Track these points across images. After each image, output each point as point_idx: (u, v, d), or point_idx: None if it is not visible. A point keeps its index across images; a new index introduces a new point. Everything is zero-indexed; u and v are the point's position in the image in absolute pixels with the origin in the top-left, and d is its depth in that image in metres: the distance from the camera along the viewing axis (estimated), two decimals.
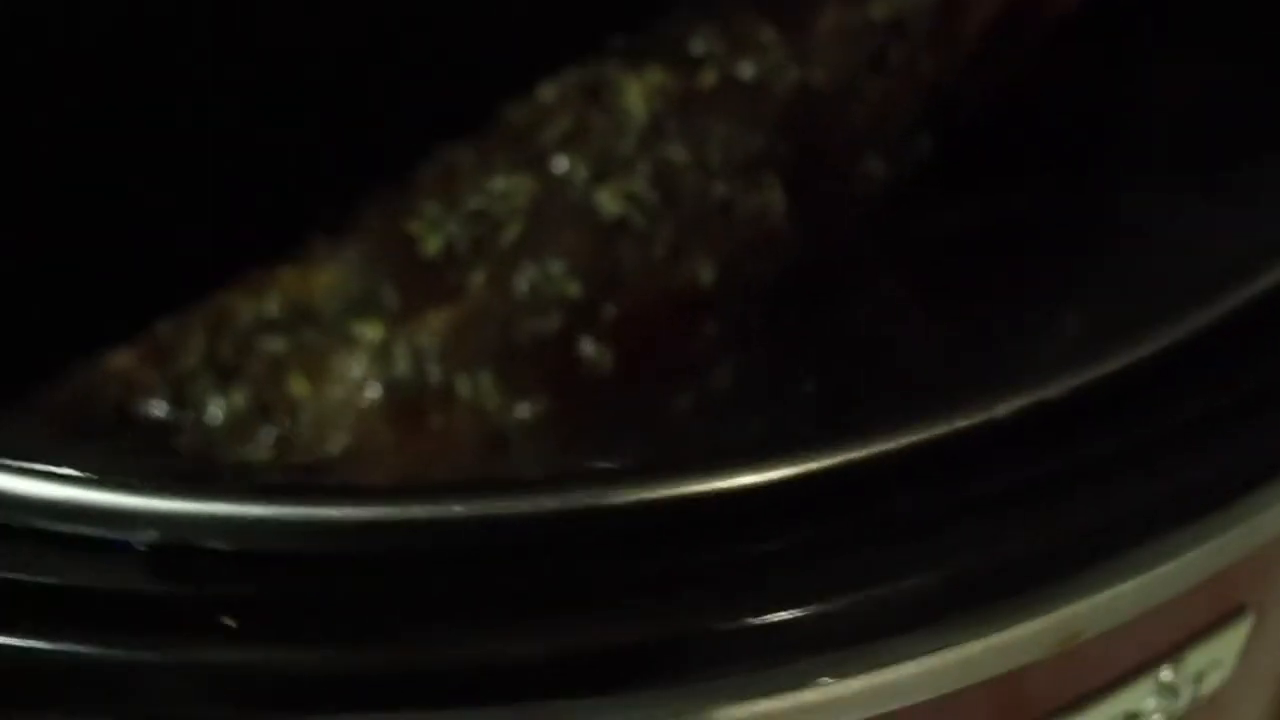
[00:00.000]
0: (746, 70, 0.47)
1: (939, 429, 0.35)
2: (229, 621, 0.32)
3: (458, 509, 0.33)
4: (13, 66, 0.48)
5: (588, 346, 0.45)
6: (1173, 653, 0.41)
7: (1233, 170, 0.54)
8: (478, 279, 0.45)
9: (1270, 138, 0.53)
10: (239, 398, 0.44)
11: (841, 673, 0.34)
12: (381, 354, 0.44)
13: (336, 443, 0.44)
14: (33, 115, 0.48)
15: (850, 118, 0.48)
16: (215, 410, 0.44)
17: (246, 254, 0.48)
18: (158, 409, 0.44)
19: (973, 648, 0.35)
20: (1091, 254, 0.54)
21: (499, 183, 0.46)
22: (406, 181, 0.47)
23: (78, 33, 0.49)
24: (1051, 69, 0.54)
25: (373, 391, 0.44)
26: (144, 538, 0.33)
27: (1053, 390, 0.36)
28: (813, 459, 0.34)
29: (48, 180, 0.48)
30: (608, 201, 0.46)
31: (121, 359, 0.45)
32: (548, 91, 0.48)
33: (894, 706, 0.36)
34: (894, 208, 0.51)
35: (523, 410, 0.44)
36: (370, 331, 0.44)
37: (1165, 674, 0.41)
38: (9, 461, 0.34)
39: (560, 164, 0.46)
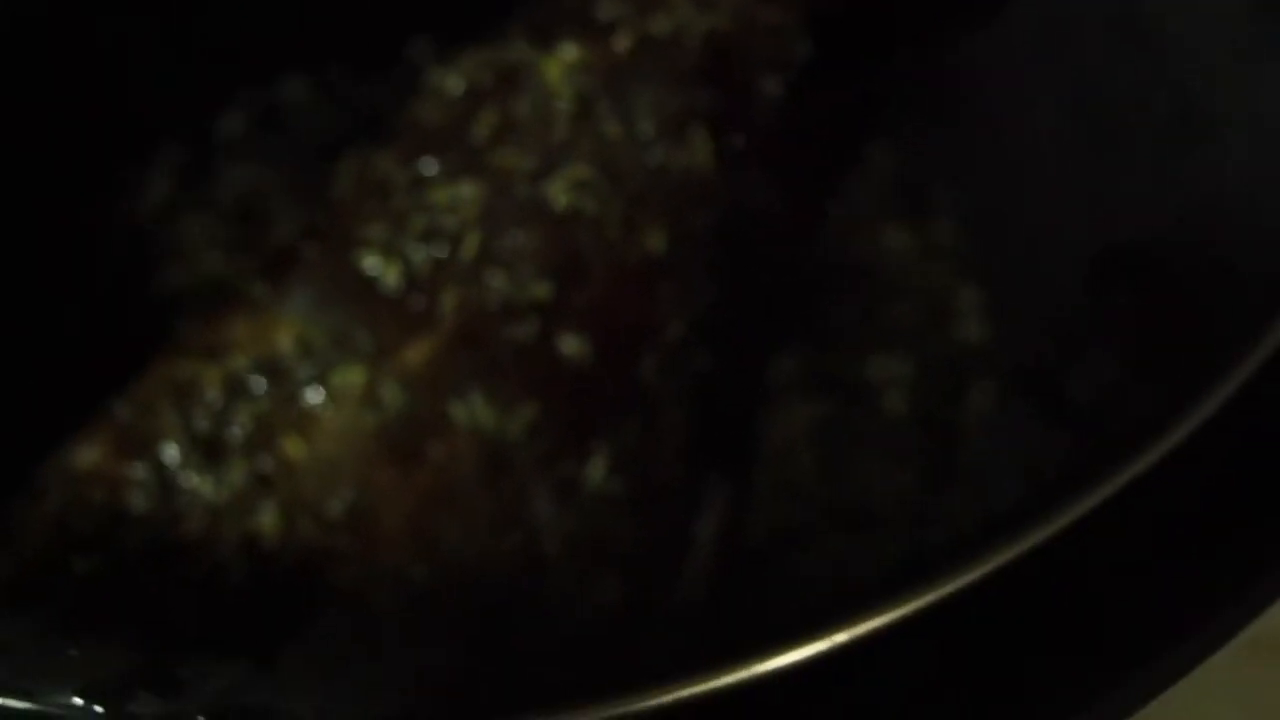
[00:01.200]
0: (658, 28, 0.46)
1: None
2: None
3: None
4: None
5: (566, 342, 0.44)
6: None
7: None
8: (447, 301, 0.43)
9: None
10: (234, 472, 0.42)
11: None
12: (368, 397, 0.43)
13: (343, 497, 0.42)
14: None
15: (750, 49, 0.48)
16: (210, 490, 0.42)
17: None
18: (147, 501, 0.42)
19: None
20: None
21: (441, 194, 0.44)
22: (331, 205, 0.46)
23: None
24: None
25: (367, 437, 0.43)
26: None
27: None
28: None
29: None
30: (558, 194, 0.44)
31: (90, 453, 0.43)
32: (453, 81, 0.46)
33: None
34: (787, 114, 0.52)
35: (518, 421, 0.44)
36: (352, 377, 0.43)
37: None
38: None
39: (500, 162, 0.44)
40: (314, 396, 0.42)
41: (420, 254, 0.44)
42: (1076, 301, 0.52)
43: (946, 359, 0.56)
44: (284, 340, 0.43)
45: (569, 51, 0.46)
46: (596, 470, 0.45)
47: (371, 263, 0.44)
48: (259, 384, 0.43)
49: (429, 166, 0.45)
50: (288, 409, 0.42)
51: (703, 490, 0.50)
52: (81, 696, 0.29)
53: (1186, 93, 0.52)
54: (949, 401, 0.55)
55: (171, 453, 0.42)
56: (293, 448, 0.42)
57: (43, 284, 0.49)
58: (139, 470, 0.42)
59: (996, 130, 0.56)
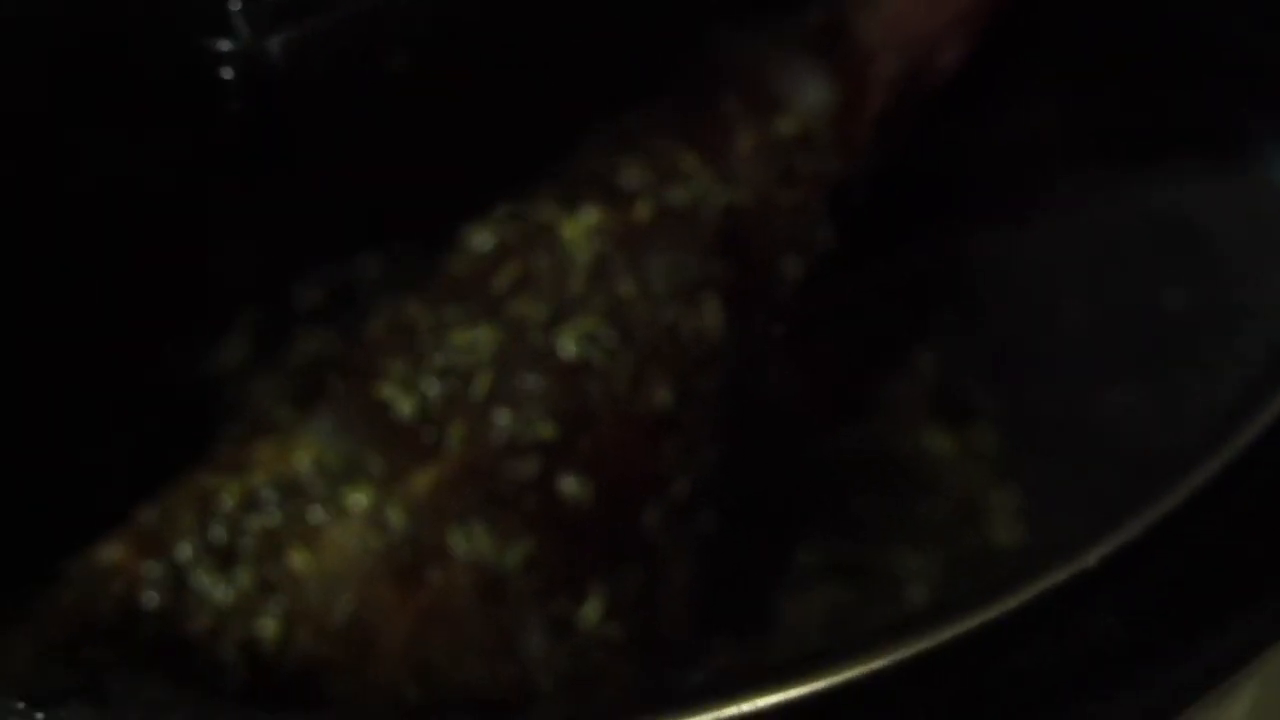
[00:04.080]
0: (677, 199, 0.49)
1: None
2: None
3: None
4: None
5: (567, 483, 0.47)
6: None
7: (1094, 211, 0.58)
8: (456, 434, 0.46)
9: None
10: (243, 577, 0.45)
11: None
12: (374, 519, 0.46)
13: (342, 610, 0.45)
14: None
15: (770, 228, 0.51)
16: (219, 593, 0.45)
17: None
18: (160, 599, 0.45)
19: None
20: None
21: (460, 336, 0.47)
22: (360, 342, 0.49)
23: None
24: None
25: (371, 556, 0.45)
26: None
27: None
28: None
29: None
30: (568, 343, 0.47)
31: (113, 552, 0.46)
32: (482, 238, 0.50)
33: None
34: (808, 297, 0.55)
35: (515, 553, 0.46)
36: (361, 498, 0.46)
37: None
38: None
39: (517, 311, 0.48)
40: (324, 514, 0.45)
41: (435, 389, 0.47)
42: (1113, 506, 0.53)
43: (976, 557, 0.57)
44: (302, 460, 0.46)
45: (591, 214, 0.49)
46: (593, 612, 0.47)
47: (389, 393, 0.47)
48: (274, 498, 0.46)
49: (452, 311, 0.48)
50: (298, 523, 0.45)
51: (705, 650, 0.52)
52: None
53: (1229, 295, 0.54)
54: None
55: (186, 555, 0.45)
56: (299, 560, 0.45)
57: (105, 412, 0.52)
58: (155, 569, 0.45)
59: (1035, 328, 0.58)
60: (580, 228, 0.49)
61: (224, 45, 0.39)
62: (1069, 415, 0.58)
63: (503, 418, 0.47)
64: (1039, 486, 0.58)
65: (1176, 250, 0.57)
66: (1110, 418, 0.57)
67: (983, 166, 0.58)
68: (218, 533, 0.45)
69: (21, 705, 0.32)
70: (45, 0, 0.44)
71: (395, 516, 0.46)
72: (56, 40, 0.44)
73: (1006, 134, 0.58)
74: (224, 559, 0.45)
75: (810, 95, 0.51)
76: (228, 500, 0.46)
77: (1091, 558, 0.38)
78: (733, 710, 0.36)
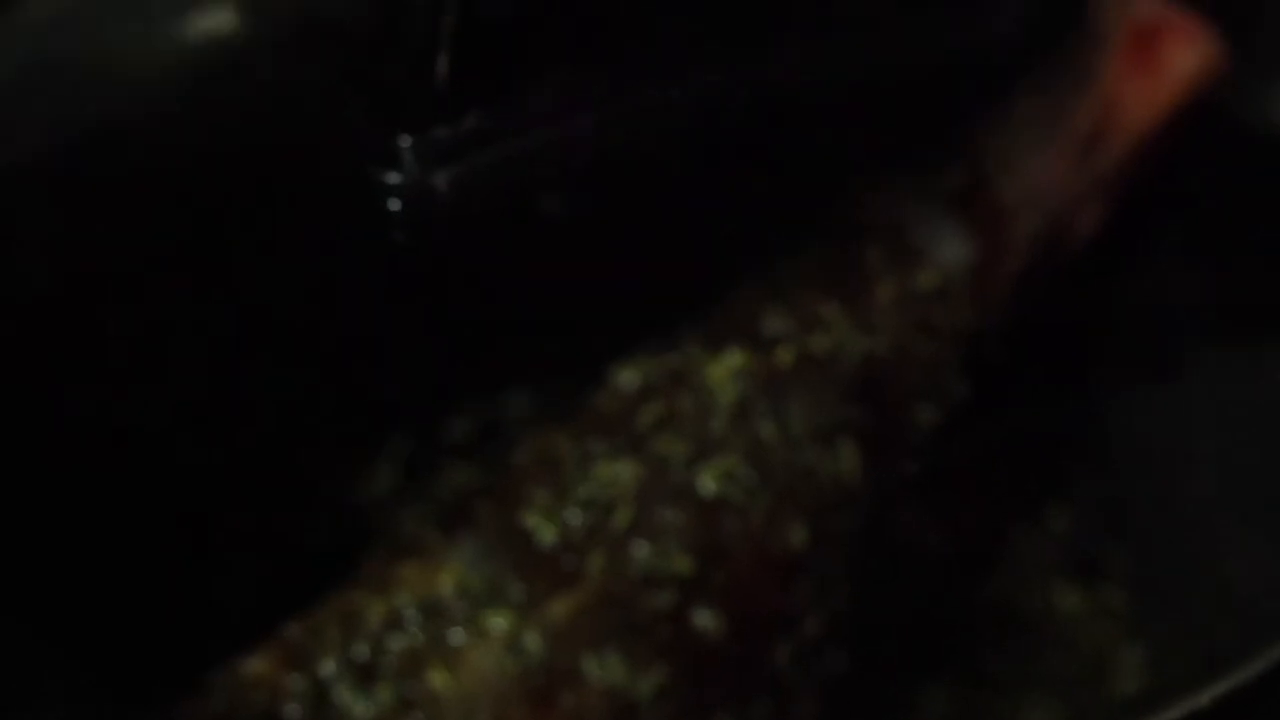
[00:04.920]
0: (818, 346, 0.51)
1: None
2: None
3: None
4: None
5: (701, 616, 0.48)
6: None
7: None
8: (595, 564, 0.48)
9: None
10: (383, 693, 0.46)
11: None
12: (512, 642, 0.47)
13: None
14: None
15: (906, 378, 0.52)
16: (359, 709, 0.46)
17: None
18: (302, 712, 0.47)
19: None
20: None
21: (604, 469, 0.49)
22: (507, 471, 0.51)
23: None
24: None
25: (507, 678, 0.47)
26: None
27: None
28: None
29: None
30: (707, 481, 0.49)
31: (258, 664, 0.48)
32: (629, 376, 0.51)
33: None
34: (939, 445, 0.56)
35: (648, 682, 0.47)
36: (500, 622, 0.47)
37: None
38: None
39: (659, 448, 0.49)
40: (464, 636, 0.47)
41: (577, 519, 0.48)
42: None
43: (1101, 711, 0.58)
44: (446, 583, 0.48)
45: (734, 357, 0.50)
46: None
47: (533, 521, 0.48)
48: (417, 618, 0.47)
49: (597, 445, 0.50)
50: (439, 644, 0.47)
51: None
52: None
53: None
54: None
55: (329, 670, 0.47)
56: (438, 679, 0.46)
57: (260, 531, 0.54)
58: (298, 682, 0.46)
59: (1165, 488, 0.59)
60: (724, 370, 0.50)
61: (393, 178, 0.41)
62: (1201, 576, 0.58)
63: (641, 550, 0.48)
64: (1169, 645, 0.59)
65: None
66: (1237, 577, 0.57)
67: (1119, 328, 0.59)
68: (360, 650, 0.47)
69: None
70: (220, 124, 0.47)
71: (533, 641, 0.47)
72: (228, 167, 0.47)
73: (1143, 298, 0.59)
74: (366, 675, 0.47)
75: (949, 251, 0.53)
76: (372, 618, 0.47)
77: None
78: None
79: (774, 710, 0.49)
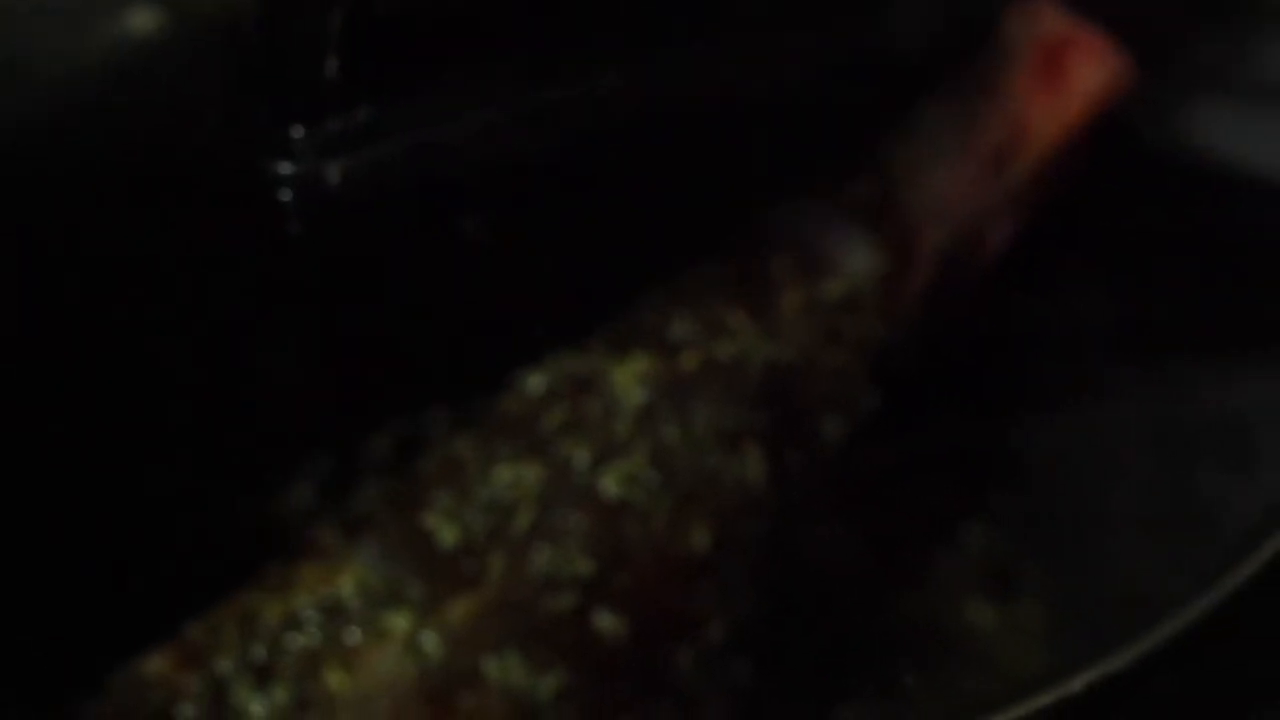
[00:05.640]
0: (723, 351, 0.51)
1: None
2: None
3: None
4: None
5: (602, 618, 0.48)
6: None
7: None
8: (496, 565, 0.48)
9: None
10: (280, 694, 0.46)
11: None
12: (411, 643, 0.47)
13: None
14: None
15: (813, 386, 0.52)
16: (255, 709, 0.46)
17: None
18: (197, 712, 0.46)
19: None
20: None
21: (506, 472, 0.49)
22: (410, 473, 0.51)
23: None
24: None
25: (406, 679, 0.47)
26: None
27: None
28: None
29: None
30: (610, 483, 0.49)
31: (157, 664, 0.47)
32: (535, 381, 0.51)
33: None
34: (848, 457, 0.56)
35: (548, 684, 0.47)
36: (400, 622, 0.47)
37: None
38: None
39: (563, 450, 0.49)
40: (362, 636, 0.47)
41: (478, 521, 0.48)
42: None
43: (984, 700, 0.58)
44: (346, 584, 0.47)
45: (640, 362, 0.50)
46: None
47: (435, 523, 0.48)
48: (316, 619, 0.47)
49: (501, 448, 0.50)
50: (337, 644, 0.47)
51: None
52: None
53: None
54: None
55: (226, 670, 0.46)
56: (336, 679, 0.46)
57: (167, 537, 0.54)
58: (195, 683, 0.46)
59: (1080, 503, 0.59)
60: (629, 374, 0.50)
61: (285, 168, 0.41)
62: (1117, 596, 0.58)
63: (542, 551, 0.48)
64: (1082, 660, 0.59)
65: (1219, 440, 0.58)
66: (1151, 593, 0.57)
67: (1031, 344, 0.60)
68: (258, 650, 0.47)
69: None
70: (106, 118, 0.47)
71: (432, 642, 0.47)
72: (118, 159, 0.47)
73: (1054, 313, 0.59)
74: (263, 676, 0.46)
75: (857, 261, 0.53)
76: (271, 619, 0.47)
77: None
78: None
79: (676, 716, 0.49)
